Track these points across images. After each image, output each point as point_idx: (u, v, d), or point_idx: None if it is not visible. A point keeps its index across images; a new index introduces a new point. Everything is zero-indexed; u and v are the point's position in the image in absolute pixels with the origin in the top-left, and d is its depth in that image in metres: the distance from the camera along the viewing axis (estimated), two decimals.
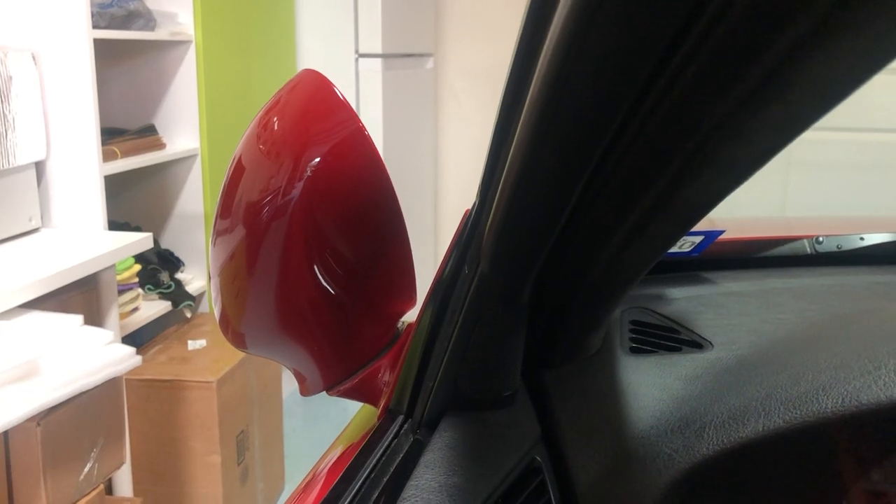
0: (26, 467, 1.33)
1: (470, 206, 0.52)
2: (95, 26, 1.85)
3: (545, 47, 0.32)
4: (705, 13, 0.27)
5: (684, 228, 0.43)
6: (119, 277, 1.91)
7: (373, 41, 2.84)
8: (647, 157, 0.35)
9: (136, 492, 1.86)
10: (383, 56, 2.87)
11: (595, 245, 0.46)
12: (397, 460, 0.53)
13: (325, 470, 0.61)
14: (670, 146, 0.34)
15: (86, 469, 1.45)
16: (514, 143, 0.38)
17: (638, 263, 0.49)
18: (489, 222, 0.45)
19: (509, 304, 0.51)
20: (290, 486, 2.41)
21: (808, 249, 0.89)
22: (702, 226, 0.82)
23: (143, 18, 2.10)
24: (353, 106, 2.77)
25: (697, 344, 0.64)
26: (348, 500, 0.49)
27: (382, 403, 0.60)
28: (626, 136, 0.35)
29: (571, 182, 0.38)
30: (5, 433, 1.29)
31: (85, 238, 1.80)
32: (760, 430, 0.49)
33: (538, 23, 0.35)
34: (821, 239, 0.89)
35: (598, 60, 0.29)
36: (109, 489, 1.78)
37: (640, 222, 0.41)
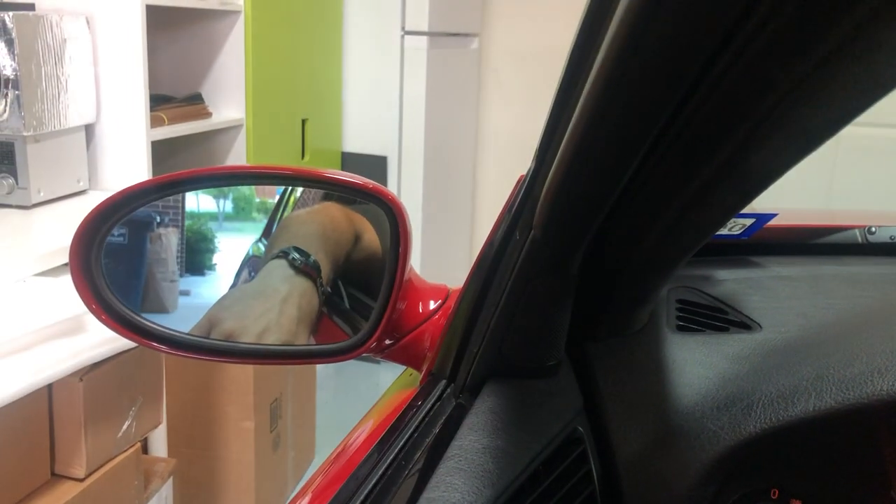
0: (68, 421, 1.36)
1: (524, 173, 0.52)
2: None
3: (617, 4, 0.31)
4: None
5: (746, 200, 0.42)
6: None
7: (419, 18, 2.83)
8: (715, 120, 0.35)
9: (171, 453, 1.89)
10: (429, 34, 2.86)
11: (652, 214, 0.45)
12: (440, 422, 0.53)
13: (360, 440, 0.61)
14: (741, 108, 0.33)
15: (124, 426, 1.48)
16: (578, 106, 0.37)
17: (693, 236, 0.48)
18: (545, 188, 0.45)
19: (559, 273, 0.51)
20: (321, 456, 2.44)
21: (860, 239, 0.87)
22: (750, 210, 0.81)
23: None
24: (397, 82, 2.73)
25: (745, 325, 0.63)
26: (391, 458, 0.50)
27: (425, 368, 0.61)
28: (695, 98, 0.34)
29: (635, 147, 0.37)
30: (49, 387, 1.32)
31: None
32: (811, 409, 0.48)
33: None
34: (873, 229, 0.87)
35: (673, 17, 0.29)
36: (145, 449, 1.81)
37: (701, 190, 0.40)
